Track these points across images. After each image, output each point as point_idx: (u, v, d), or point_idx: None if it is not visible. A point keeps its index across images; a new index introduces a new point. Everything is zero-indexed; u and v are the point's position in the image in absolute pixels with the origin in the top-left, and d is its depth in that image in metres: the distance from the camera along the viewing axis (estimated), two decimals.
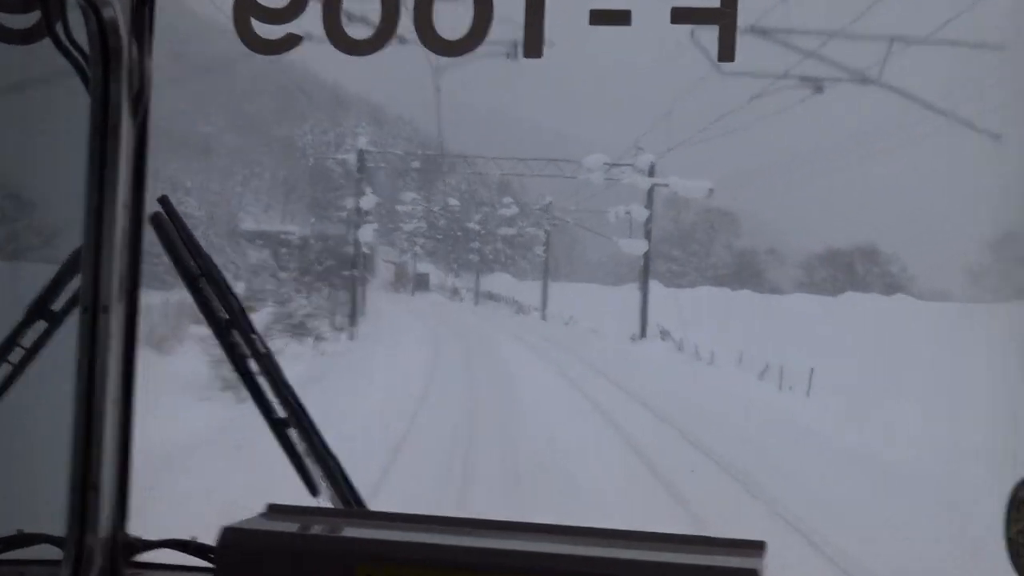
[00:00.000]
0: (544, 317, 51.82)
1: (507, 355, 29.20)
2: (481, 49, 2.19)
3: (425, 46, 2.11)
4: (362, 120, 79.26)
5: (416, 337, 32.10)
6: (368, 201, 43.78)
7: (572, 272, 73.77)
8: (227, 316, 2.23)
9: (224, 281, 2.25)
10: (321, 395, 13.75)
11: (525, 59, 2.15)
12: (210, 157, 62.87)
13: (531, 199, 63.79)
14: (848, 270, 49.73)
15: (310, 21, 2.14)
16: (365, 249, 46.14)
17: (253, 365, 2.25)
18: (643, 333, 36.89)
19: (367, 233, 42.56)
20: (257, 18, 2.13)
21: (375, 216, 55.12)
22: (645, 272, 39.19)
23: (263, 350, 2.26)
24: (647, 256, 39.19)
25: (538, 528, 2.12)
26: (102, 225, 2.09)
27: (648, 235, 38.75)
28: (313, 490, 2.28)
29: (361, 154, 44.57)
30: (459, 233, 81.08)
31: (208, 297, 2.23)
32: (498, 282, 72.91)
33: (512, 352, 30.27)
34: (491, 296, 66.30)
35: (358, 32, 2.16)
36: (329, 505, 2.27)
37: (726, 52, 2.07)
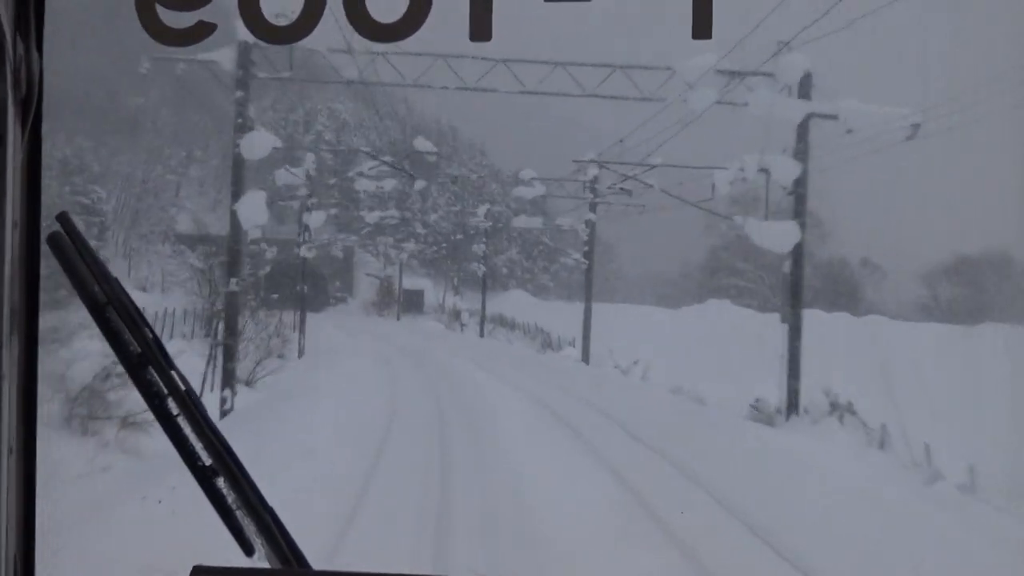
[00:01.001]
0: (587, 358, 44.16)
1: (538, 469, 16.42)
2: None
3: (356, 31, 2.40)
4: (341, 96, 79.65)
5: (352, 416, 21.05)
6: (256, 144, 27.96)
7: (608, 289, 72.11)
8: (140, 350, 2.50)
9: (136, 309, 2.51)
10: None
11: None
12: (137, 135, 62.76)
13: (565, 168, 51.04)
14: (975, 286, 47.20)
15: (227, 5, 2.43)
16: (305, 251, 42.36)
17: (172, 406, 2.52)
18: (794, 406, 25.08)
19: (254, 209, 27.48)
20: (163, 4, 2.40)
21: (318, 195, 53.08)
22: (795, 285, 26.80)
23: (183, 387, 2.53)
24: (799, 255, 26.84)
25: None
26: None
27: (801, 211, 26.72)
28: (246, 548, 2.54)
29: (244, 50, 27.41)
30: (459, 235, 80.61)
31: (117, 329, 2.49)
32: (513, 302, 72.05)
33: (548, 458, 17.71)
34: (503, 321, 65.57)
35: (280, 17, 2.44)
36: (265, 565, 2.52)
37: (701, 28, 2.35)
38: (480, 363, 37.72)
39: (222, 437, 2.55)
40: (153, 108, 69.60)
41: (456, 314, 70.19)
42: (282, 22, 2.41)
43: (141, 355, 2.50)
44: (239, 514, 2.52)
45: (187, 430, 2.53)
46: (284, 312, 62.16)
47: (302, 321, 41.83)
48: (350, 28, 2.43)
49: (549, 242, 77.08)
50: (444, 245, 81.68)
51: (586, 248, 49.18)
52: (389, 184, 57.19)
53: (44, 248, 2.50)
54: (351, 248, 79.97)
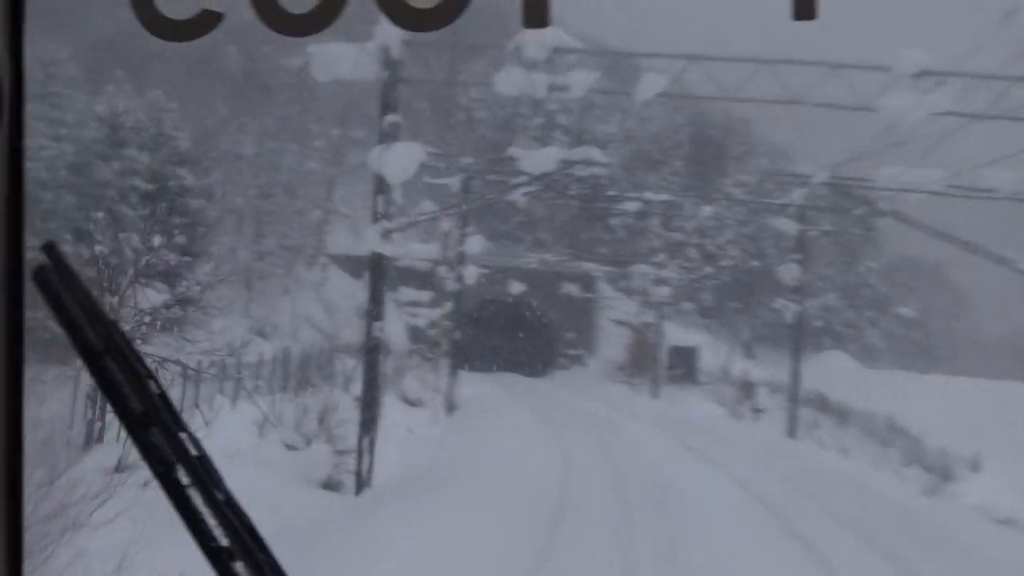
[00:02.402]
0: None
1: None
2: None
3: (388, 16, 3.00)
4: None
5: None
6: None
7: (952, 355, 65.94)
8: (142, 408, 3.05)
9: (139, 358, 3.04)
10: None
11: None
12: (264, 102, 60.59)
13: None
14: None
15: None
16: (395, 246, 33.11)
17: (181, 474, 3.06)
18: None
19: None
20: None
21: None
22: None
23: (195, 453, 3.08)
24: None
25: None
26: None
27: None
28: None
29: None
30: (753, 261, 77.45)
31: (116, 382, 3.02)
32: (831, 371, 68.32)
33: None
34: (824, 405, 58.09)
35: (298, 5, 3.04)
36: None
37: (804, 8, 2.89)
38: (797, 529, 27.10)
39: (242, 512, 3.08)
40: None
41: (746, 388, 65.28)
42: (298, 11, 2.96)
43: (144, 413, 3.05)
44: None
45: (199, 503, 3.06)
46: (485, 377, 59.96)
47: (367, 404, 30.89)
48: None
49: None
50: (725, 270, 79.34)
51: None
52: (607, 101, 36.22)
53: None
54: (590, 280, 78.36)
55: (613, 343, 77.90)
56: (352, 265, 62.67)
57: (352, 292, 58.36)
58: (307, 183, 63.57)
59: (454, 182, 50.36)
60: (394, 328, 57.26)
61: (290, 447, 28.27)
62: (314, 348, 45.22)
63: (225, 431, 23.71)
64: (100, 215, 31.19)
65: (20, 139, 2.98)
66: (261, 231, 57.39)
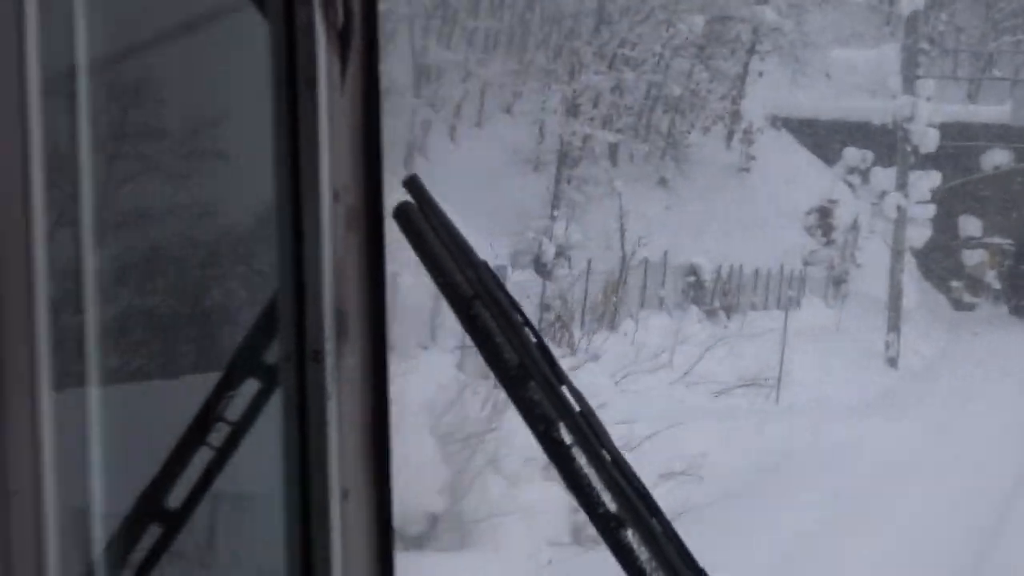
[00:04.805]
0: None
1: None
2: None
3: None
4: None
5: None
6: None
7: None
8: (518, 359, 3.38)
9: (513, 303, 3.35)
10: None
11: None
12: None
13: None
14: None
15: None
16: None
17: (563, 433, 3.37)
18: None
19: None
20: None
21: None
22: None
23: (578, 408, 3.37)
24: None
25: None
26: (302, 229, 2.95)
27: None
28: None
29: None
30: None
31: (488, 330, 3.35)
32: None
33: None
34: None
35: None
36: None
37: None
38: None
39: (633, 474, 3.40)
40: None
41: None
42: None
43: (520, 366, 3.38)
44: None
45: (583, 464, 3.39)
46: None
47: None
48: None
49: None
50: None
51: None
52: None
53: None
54: None
55: None
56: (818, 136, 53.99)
57: (815, 187, 49.45)
58: None
59: None
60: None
61: None
62: None
63: None
64: None
65: (374, 60, 3.10)
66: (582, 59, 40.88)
